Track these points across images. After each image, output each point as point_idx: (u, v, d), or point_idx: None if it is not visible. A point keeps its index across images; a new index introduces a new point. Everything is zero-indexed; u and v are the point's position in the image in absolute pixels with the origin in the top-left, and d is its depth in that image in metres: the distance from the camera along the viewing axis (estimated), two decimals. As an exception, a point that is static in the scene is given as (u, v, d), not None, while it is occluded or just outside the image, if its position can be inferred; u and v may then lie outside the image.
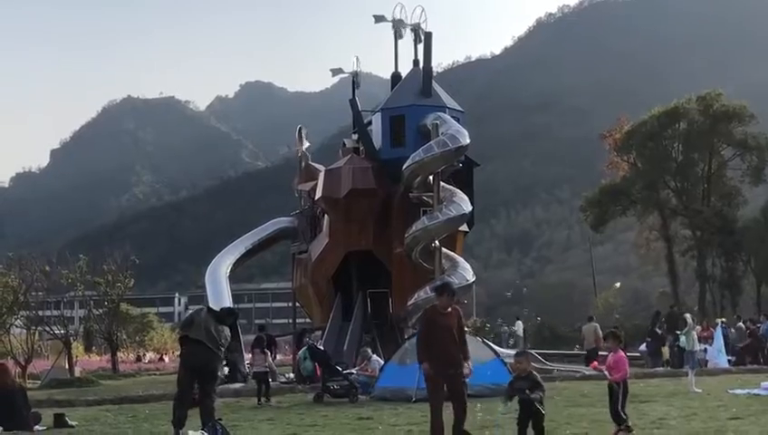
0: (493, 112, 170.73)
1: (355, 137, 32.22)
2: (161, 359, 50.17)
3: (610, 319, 48.48)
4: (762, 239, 49.99)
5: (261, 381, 20.34)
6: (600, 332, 29.16)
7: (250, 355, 24.63)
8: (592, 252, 73.01)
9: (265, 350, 22.03)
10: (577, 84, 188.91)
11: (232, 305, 30.98)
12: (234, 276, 34.33)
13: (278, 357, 26.89)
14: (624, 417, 11.54)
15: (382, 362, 20.73)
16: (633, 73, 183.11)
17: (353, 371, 20.81)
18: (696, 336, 27.55)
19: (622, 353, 11.91)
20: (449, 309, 10.97)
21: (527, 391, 10.34)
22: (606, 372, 11.71)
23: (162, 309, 68.68)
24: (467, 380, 10.95)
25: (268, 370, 21.35)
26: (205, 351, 11.83)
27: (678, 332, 28.76)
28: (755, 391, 18.16)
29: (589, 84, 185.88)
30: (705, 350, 28.19)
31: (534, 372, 10.68)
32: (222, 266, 33.28)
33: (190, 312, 15.29)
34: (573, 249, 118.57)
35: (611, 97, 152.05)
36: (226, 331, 12.29)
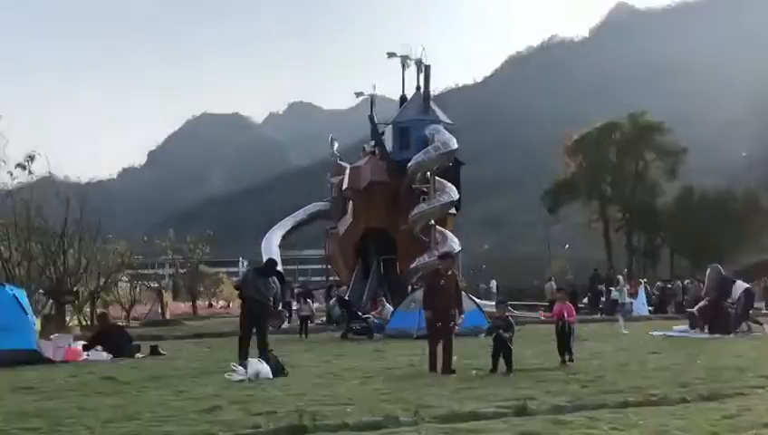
0: (476, 125, 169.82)
1: (372, 143, 32.23)
2: (228, 306, 50.24)
3: (562, 280, 48.35)
4: (675, 220, 50.11)
5: (303, 322, 20.57)
6: (555, 287, 29.41)
7: (296, 303, 24.69)
8: (549, 230, 72.80)
9: (308, 299, 22.17)
10: (539, 104, 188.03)
11: (278, 263, 31.14)
12: (282, 245, 34.45)
13: (315, 305, 26.93)
14: (572, 351, 11.59)
15: (392, 309, 20.79)
16: (581, 95, 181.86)
17: (370, 315, 20.86)
18: (626, 291, 27.57)
19: (570, 304, 12.06)
20: (449, 272, 11.06)
21: (501, 331, 10.37)
22: (566, 316, 11.74)
23: (230, 270, 68.65)
24: (459, 327, 11.07)
25: (310, 313, 21.53)
26: (255, 303, 11.81)
27: (612, 288, 28.76)
28: (669, 333, 18.16)
29: (548, 104, 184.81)
30: (632, 303, 28.17)
31: (509, 317, 10.70)
32: (274, 238, 33.42)
33: (243, 272, 15.28)
34: (535, 228, 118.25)
35: (565, 114, 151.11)
36: (274, 281, 12.04)
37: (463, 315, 11.11)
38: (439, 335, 10.86)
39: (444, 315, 10.77)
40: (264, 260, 12.45)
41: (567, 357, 11.43)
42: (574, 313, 12.04)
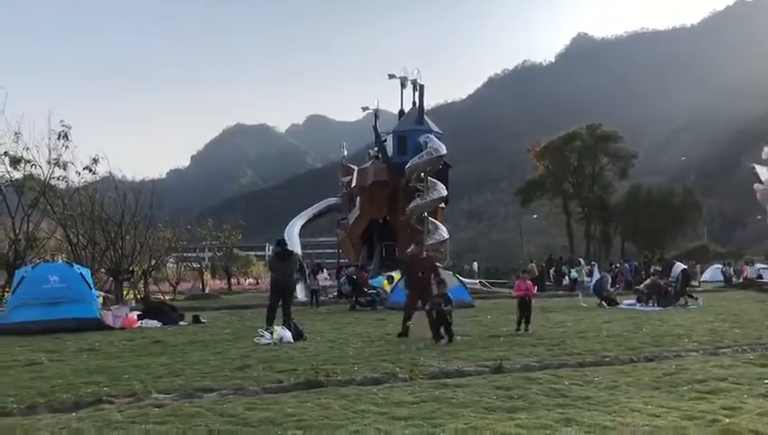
0: (462, 134, 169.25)
1: (376, 149, 32.19)
2: (257, 283, 50.18)
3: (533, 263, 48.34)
4: (625, 213, 50.02)
5: (314, 294, 20.61)
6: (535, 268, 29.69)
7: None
8: (521, 221, 72.75)
9: (317, 275, 22.07)
10: (515, 118, 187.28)
11: (287, 245, 31.16)
12: (302, 233, 34.43)
13: (325, 277, 27.05)
14: (530, 321, 11.56)
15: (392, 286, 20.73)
16: (549, 110, 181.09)
17: (374, 289, 20.77)
18: (584, 272, 27.52)
19: (530, 282, 12.14)
20: (423, 255, 11.16)
21: (443, 305, 10.13)
22: (534, 292, 11.77)
23: (258, 253, 68.84)
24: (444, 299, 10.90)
25: (319, 287, 21.47)
26: (280, 282, 11.82)
27: (573, 269, 28.69)
28: (619, 306, 18.11)
29: (521, 117, 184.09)
30: (590, 281, 28.07)
31: (449, 294, 10.42)
32: (295, 227, 33.47)
33: (269, 256, 15.12)
34: (510, 219, 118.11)
35: (536, 125, 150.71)
36: (294, 258, 11.93)
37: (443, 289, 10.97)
38: (415, 304, 10.95)
39: (424, 295, 10.80)
40: (280, 248, 12.31)
41: (524, 327, 11.40)
42: (533, 289, 12.08)
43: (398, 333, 11.04)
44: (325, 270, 28.14)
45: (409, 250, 25.39)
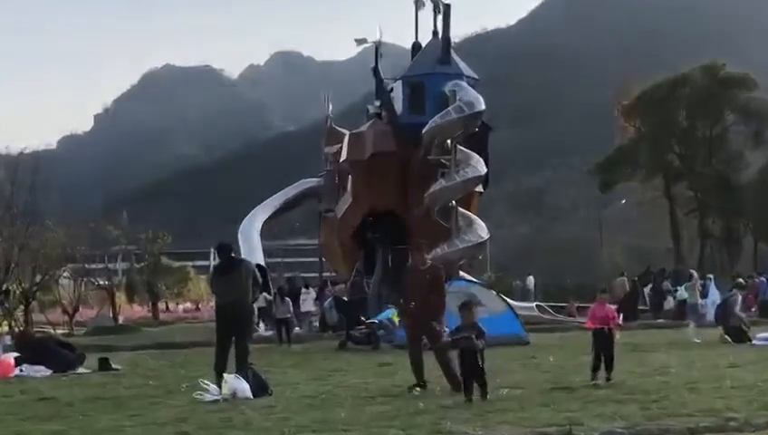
0: (507, 80, 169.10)
1: (377, 103, 32.13)
2: (197, 308, 50.54)
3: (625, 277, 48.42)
4: (760, 200, 49.60)
5: (281, 326, 20.74)
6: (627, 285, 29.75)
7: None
8: (600, 212, 72.73)
9: (287, 298, 22.21)
10: (587, 55, 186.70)
11: (263, 261, 31.28)
12: (265, 233, 34.48)
13: (310, 304, 27.11)
14: (613, 367, 11.53)
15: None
16: (642, 45, 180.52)
17: (375, 320, 20.85)
18: (698, 290, 27.52)
19: (612, 307, 12.14)
20: (425, 265, 11.25)
21: (474, 337, 10.01)
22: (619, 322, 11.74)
23: (199, 263, 69.02)
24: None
25: (290, 316, 21.62)
26: (228, 308, 11.80)
27: (679, 287, 28.75)
28: (752, 342, 18.09)
29: (598, 54, 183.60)
30: (703, 304, 28.12)
31: (479, 323, 10.38)
32: (253, 224, 33.48)
33: (210, 271, 15.07)
34: (582, 209, 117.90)
35: (620, 66, 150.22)
36: (245, 270, 11.95)
37: (441, 317, 11.13)
38: (420, 341, 11.21)
39: (424, 317, 11.00)
40: (223, 256, 12.25)
41: (605, 374, 11.37)
42: (617, 317, 12.04)
43: (411, 385, 11.05)
44: (311, 289, 28.30)
45: (439, 253, 25.57)
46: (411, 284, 11.13)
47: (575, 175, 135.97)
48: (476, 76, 30.36)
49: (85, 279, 35.84)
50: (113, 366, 15.54)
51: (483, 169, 27.00)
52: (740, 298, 20.68)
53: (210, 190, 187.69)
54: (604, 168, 55.96)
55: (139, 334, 28.02)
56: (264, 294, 21.08)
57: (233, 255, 12.36)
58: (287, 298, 22.30)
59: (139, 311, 44.15)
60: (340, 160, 31.21)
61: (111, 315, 33.69)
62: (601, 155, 57.37)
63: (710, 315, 27.50)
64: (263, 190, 41.74)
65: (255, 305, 14.12)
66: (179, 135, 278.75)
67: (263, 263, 30.74)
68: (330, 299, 24.61)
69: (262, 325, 25.95)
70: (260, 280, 12.23)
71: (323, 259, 37.23)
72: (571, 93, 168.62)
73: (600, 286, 12.56)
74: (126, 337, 25.48)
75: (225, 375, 11.20)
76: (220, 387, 10.84)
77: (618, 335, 11.89)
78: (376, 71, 31.56)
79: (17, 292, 23.70)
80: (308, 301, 27.54)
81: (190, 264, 65.94)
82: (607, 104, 61.51)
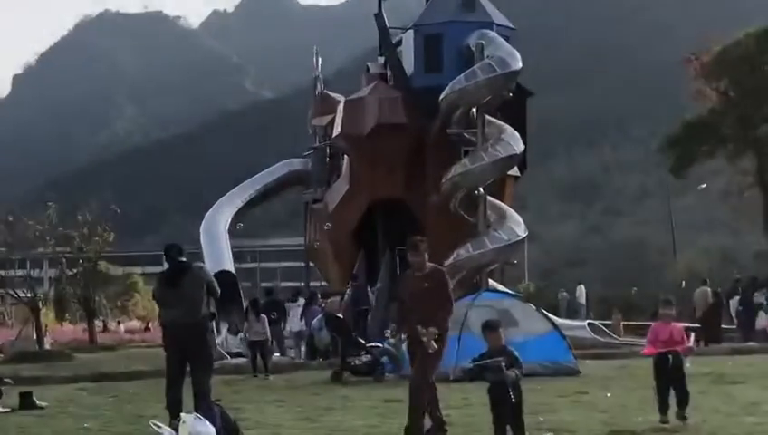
0: (551, 31, 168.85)
1: (382, 60, 32.10)
2: (147, 327, 50.48)
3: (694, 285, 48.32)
4: None
5: (255, 350, 20.74)
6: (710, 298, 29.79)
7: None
8: (672, 203, 72.64)
9: (262, 315, 22.20)
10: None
11: (232, 266, 31.29)
12: (235, 230, 34.51)
13: (288, 328, 27.10)
14: (688, 402, 11.52)
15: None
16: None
17: (379, 343, 20.83)
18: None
19: (680, 326, 12.05)
20: (425, 269, 10.95)
21: (503, 365, 9.86)
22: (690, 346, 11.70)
23: (149, 269, 69.01)
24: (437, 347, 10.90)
25: (266, 338, 21.62)
26: (180, 325, 11.83)
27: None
28: None
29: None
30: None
31: (510, 348, 10.25)
32: (221, 218, 33.52)
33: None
34: (649, 199, 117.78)
35: (699, 11, 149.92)
36: (197, 278, 12.06)
37: (433, 331, 10.98)
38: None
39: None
40: (171, 261, 12.29)
41: (678, 413, 11.37)
42: (688, 339, 11.93)
43: (426, 431, 10.98)
44: (301, 299, 28.30)
45: (463, 255, 25.51)
46: (409, 297, 11.00)
47: (639, 153, 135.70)
48: (512, 25, 30.35)
49: (2, 290, 35.85)
50: (38, 404, 15.53)
51: (519, 147, 26.97)
52: None
53: (164, 175, 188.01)
54: (677, 143, 55.71)
55: (71, 362, 28.03)
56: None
57: (183, 259, 12.36)
58: (263, 315, 22.29)
59: (71, 332, 44.14)
60: (333, 135, 31.22)
61: (36, 338, 33.66)
62: (673, 127, 57.21)
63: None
64: (232, 174, 41.79)
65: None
66: (123, 103, 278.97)
67: (231, 269, 30.81)
68: (319, 316, 24.60)
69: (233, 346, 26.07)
70: (218, 290, 12.23)
71: (311, 264, 37.22)
72: (632, 49, 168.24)
73: (663, 300, 12.36)
74: (55, 366, 25.48)
75: (182, 415, 11.18)
76: (176, 430, 10.83)
77: (688, 363, 11.84)
78: (379, 17, 31.51)
79: None
80: (297, 317, 27.52)
81: (138, 270, 66.03)
82: (679, 62, 61.39)
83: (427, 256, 10.90)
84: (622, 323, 35.91)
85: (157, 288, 12.60)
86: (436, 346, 10.71)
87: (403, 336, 12.63)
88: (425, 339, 10.58)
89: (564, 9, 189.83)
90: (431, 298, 10.82)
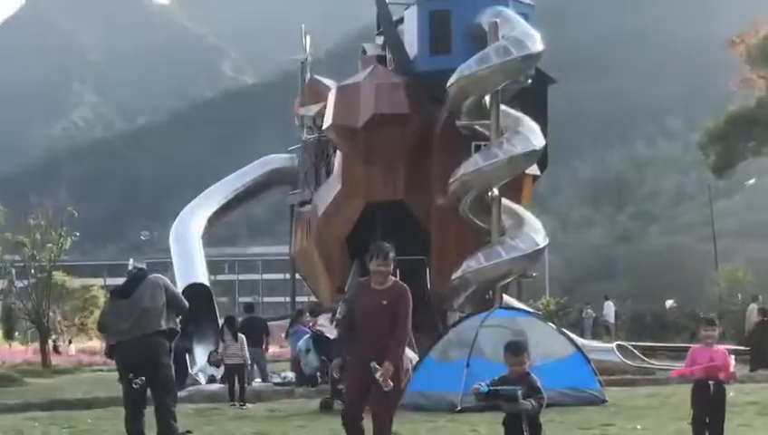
0: (576, 8, 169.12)
1: (380, 41, 32.11)
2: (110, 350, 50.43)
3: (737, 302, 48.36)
4: None
5: (232, 375, 20.70)
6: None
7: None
8: (714, 206, 72.69)
9: (240, 334, 22.12)
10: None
11: (206, 279, 31.31)
12: (210, 237, 34.51)
13: (271, 350, 27.11)
14: None
15: (416, 356, 20.77)
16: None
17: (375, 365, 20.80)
18: None
19: (724, 350, 12.00)
20: (388, 284, 10.77)
21: (519, 394, 9.76)
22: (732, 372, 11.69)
23: (111, 280, 69.05)
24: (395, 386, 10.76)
25: (243, 362, 21.56)
26: (133, 348, 11.83)
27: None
28: None
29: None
30: None
31: (533, 375, 10.15)
32: (193, 223, 33.52)
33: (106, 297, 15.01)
34: (687, 202, 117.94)
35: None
36: (152, 288, 12.08)
37: (407, 369, 10.89)
38: (367, 403, 10.71)
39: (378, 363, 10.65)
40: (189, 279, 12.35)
41: None
42: (730, 364, 11.88)
43: None
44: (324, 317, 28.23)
45: (473, 266, 25.47)
46: (361, 312, 10.84)
47: (676, 150, 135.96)
48: (530, 1, 30.34)
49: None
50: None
51: (539, 142, 26.95)
52: None
53: (129, 173, 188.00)
54: (719, 138, 55.81)
55: (21, 388, 28.01)
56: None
57: (140, 267, 12.37)
58: (241, 335, 22.21)
59: (21, 353, 44.17)
60: (324, 127, 31.20)
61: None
62: (715, 120, 57.30)
63: None
64: (207, 172, 41.78)
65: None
66: (82, 90, 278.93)
67: (206, 281, 30.79)
68: (306, 337, 24.59)
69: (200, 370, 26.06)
70: (184, 304, 12.19)
71: (297, 276, 37.23)
72: (668, 30, 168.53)
73: (704, 319, 12.28)
74: (3, 392, 25.48)
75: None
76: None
77: (732, 392, 11.83)
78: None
79: None
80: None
81: (99, 282, 66.05)
82: (722, 46, 61.55)
83: (391, 266, 10.75)
84: (655, 344, 35.97)
85: (104, 310, 12.61)
86: (392, 384, 10.53)
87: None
88: (379, 377, 10.41)
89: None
90: (386, 319, 10.58)
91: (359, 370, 10.62)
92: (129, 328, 11.81)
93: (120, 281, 12.93)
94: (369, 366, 10.42)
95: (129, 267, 12.40)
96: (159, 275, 12.59)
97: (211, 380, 25.79)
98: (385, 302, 10.56)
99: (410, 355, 21.39)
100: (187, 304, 12.31)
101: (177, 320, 12.36)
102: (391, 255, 10.66)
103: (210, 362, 25.53)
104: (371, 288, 10.67)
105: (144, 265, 12.75)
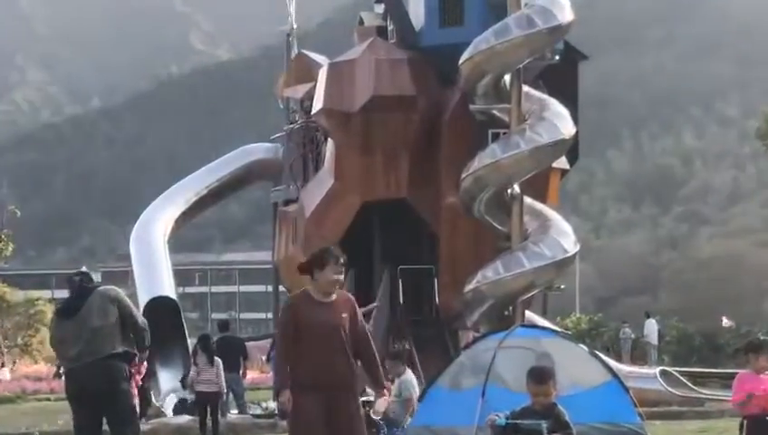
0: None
1: (380, 9, 32.18)
2: (58, 371, 50.41)
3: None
4: None
5: (204, 405, 20.73)
6: None
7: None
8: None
9: (216, 358, 22.12)
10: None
11: (173, 291, 31.38)
12: (177, 241, 34.55)
13: (249, 375, 27.16)
14: None
15: (422, 384, 20.80)
16: None
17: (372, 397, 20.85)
18: None
19: None
20: (334, 297, 10.81)
21: (544, 427, 9.82)
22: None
23: (60, 293, 69.12)
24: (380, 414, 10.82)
25: (219, 390, 21.57)
26: (84, 375, 11.83)
27: None
28: None
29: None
30: None
31: (560, 407, 10.18)
32: (158, 226, 33.60)
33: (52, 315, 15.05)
34: (744, 202, 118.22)
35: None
36: (104, 303, 11.95)
37: (385, 394, 10.88)
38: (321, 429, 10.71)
39: (334, 392, 10.66)
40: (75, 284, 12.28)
41: None
42: None
43: None
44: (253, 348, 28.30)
45: (488, 277, 25.49)
46: (310, 331, 10.81)
47: (730, 140, 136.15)
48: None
49: None
50: None
51: (568, 129, 26.96)
52: None
53: (82, 165, 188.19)
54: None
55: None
56: None
57: (83, 272, 12.38)
58: (218, 358, 22.22)
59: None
60: (313, 112, 31.24)
61: None
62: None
63: None
64: (174, 165, 41.88)
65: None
66: (26, 66, 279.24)
67: (173, 294, 30.85)
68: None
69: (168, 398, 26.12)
70: (139, 322, 12.13)
71: (281, 287, 37.27)
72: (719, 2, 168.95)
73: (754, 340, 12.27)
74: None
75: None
76: None
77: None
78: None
79: None
80: None
81: (46, 294, 66.16)
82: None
83: (344, 275, 10.78)
84: (705, 370, 36.03)
85: (51, 332, 12.60)
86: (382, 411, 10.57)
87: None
88: (379, 409, 10.45)
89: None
90: (343, 337, 10.64)
91: (312, 401, 10.57)
92: (77, 353, 11.74)
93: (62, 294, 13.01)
94: (325, 395, 10.44)
95: (75, 277, 12.31)
96: (110, 287, 12.48)
97: (181, 404, 25.82)
98: (344, 315, 10.67)
99: (413, 381, 21.46)
100: (145, 323, 12.18)
101: (145, 339, 12.25)
102: (339, 260, 10.71)
103: (183, 386, 25.62)
104: (318, 302, 10.68)
105: (86, 270, 12.75)
